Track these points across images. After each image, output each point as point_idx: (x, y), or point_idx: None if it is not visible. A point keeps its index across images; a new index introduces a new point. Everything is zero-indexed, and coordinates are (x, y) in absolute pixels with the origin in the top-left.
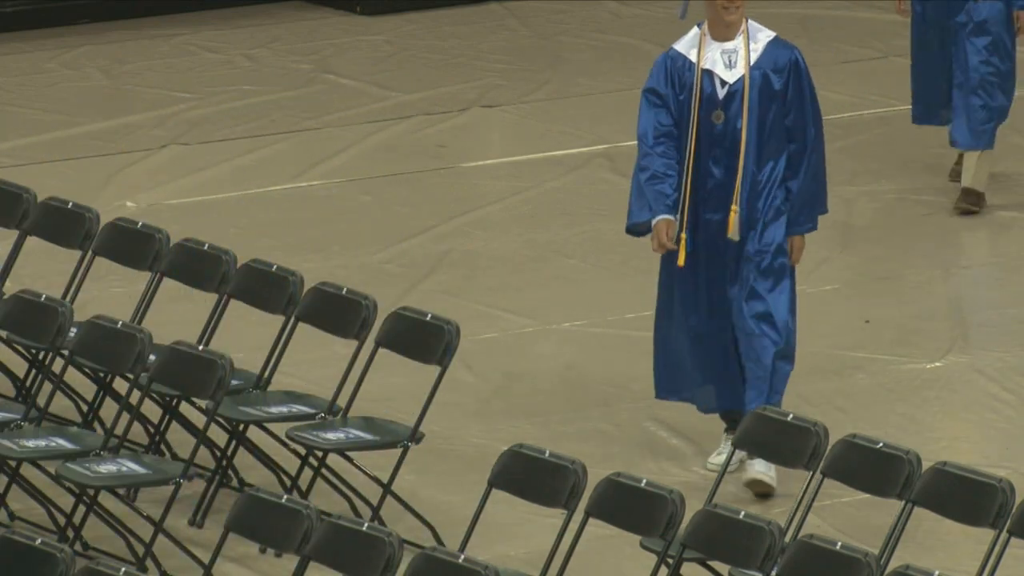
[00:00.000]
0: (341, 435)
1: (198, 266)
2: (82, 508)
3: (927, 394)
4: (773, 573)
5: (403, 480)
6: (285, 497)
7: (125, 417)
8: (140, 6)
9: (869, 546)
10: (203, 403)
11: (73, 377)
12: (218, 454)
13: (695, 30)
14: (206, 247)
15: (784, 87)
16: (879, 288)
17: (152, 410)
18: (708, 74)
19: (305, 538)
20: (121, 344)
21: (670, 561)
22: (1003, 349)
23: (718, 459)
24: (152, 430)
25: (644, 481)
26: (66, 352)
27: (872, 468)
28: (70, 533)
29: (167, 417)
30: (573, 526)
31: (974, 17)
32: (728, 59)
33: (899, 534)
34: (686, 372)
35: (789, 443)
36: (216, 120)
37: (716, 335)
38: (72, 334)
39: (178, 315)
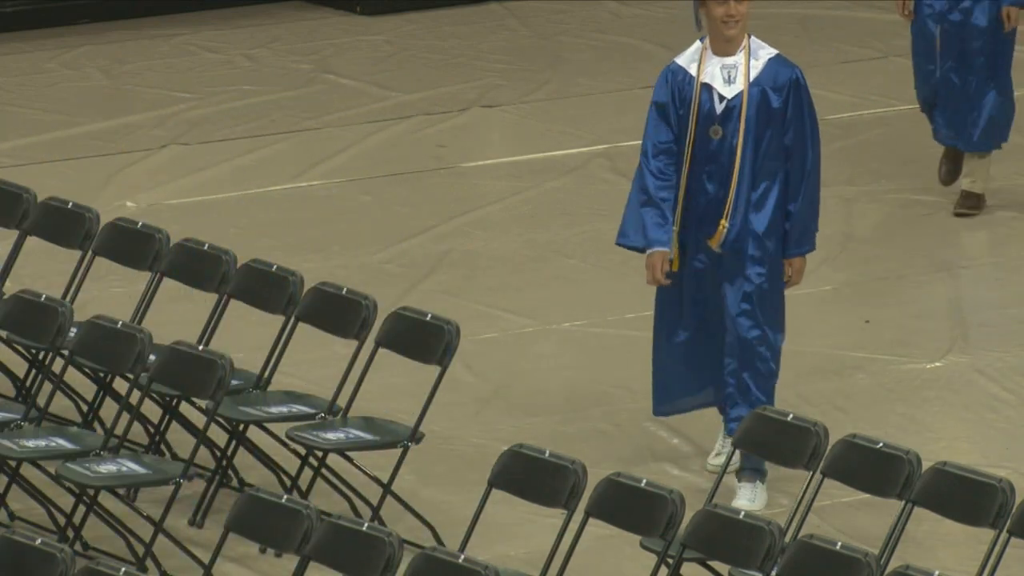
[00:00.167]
0: (341, 435)
1: (198, 266)
2: (82, 508)
3: (927, 394)
4: (773, 573)
5: (403, 480)
6: (285, 497)
7: (125, 417)
8: (140, 6)
9: (869, 546)
10: (203, 403)
11: (73, 377)
12: (218, 454)
13: (697, 44)
14: (206, 247)
15: (783, 105)
16: (879, 288)
17: (152, 410)
18: (707, 88)
19: (305, 538)
20: (121, 344)
21: (670, 561)
22: (1003, 349)
23: (717, 460)
24: (152, 430)
25: (644, 481)
26: (66, 352)
27: (872, 468)
28: (70, 533)
29: (167, 417)
30: (573, 526)
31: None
32: (728, 74)
33: (899, 534)
34: (681, 385)
35: (789, 443)
36: (216, 120)
37: (706, 345)
38: (72, 334)
39: (178, 315)
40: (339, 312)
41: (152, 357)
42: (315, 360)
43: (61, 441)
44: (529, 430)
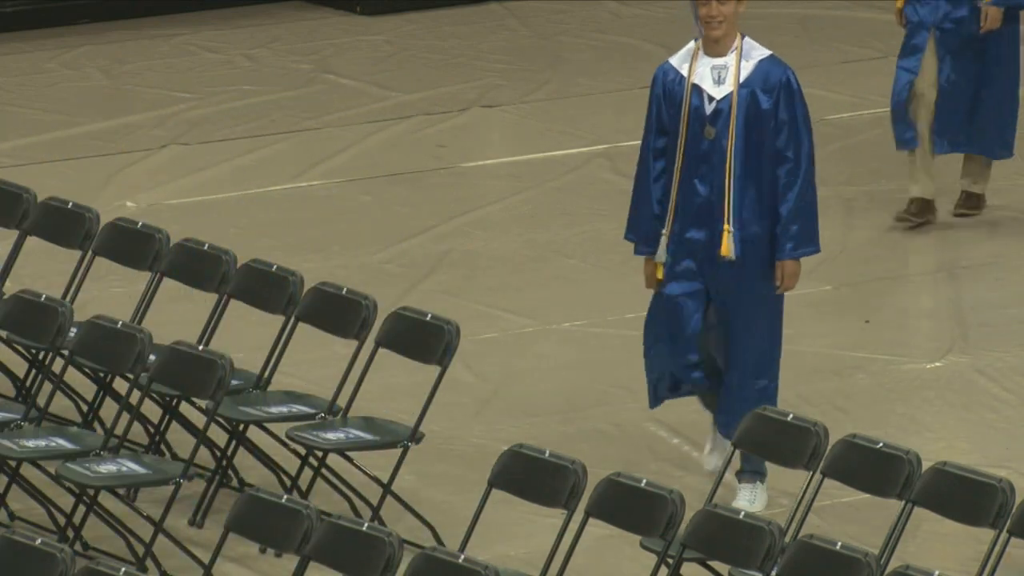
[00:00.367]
0: (341, 435)
1: (198, 266)
2: (82, 508)
3: (927, 394)
4: (773, 573)
5: (403, 480)
6: (285, 497)
7: (125, 417)
8: (140, 6)
9: (869, 546)
10: (203, 403)
11: (73, 377)
12: (218, 454)
13: (691, 44)
14: (206, 247)
15: (773, 107)
16: (879, 288)
17: (152, 410)
18: (697, 89)
19: (305, 538)
20: (121, 344)
21: (670, 561)
22: (1003, 349)
23: (710, 459)
24: (152, 430)
25: (644, 481)
26: (66, 352)
27: (872, 468)
28: (70, 533)
29: (167, 417)
30: (573, 526)
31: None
32: (718, 75)
33: (899, 534)
34: (672, 378)
35: (789, 443)
36: (216, 120)
37: (694, 344)
38: (72, 334)
39: (178, 315)
40: (339, 312)
41: (152, 357)
42: (315, 360)
43: (61, 441)
44: (529, 430)
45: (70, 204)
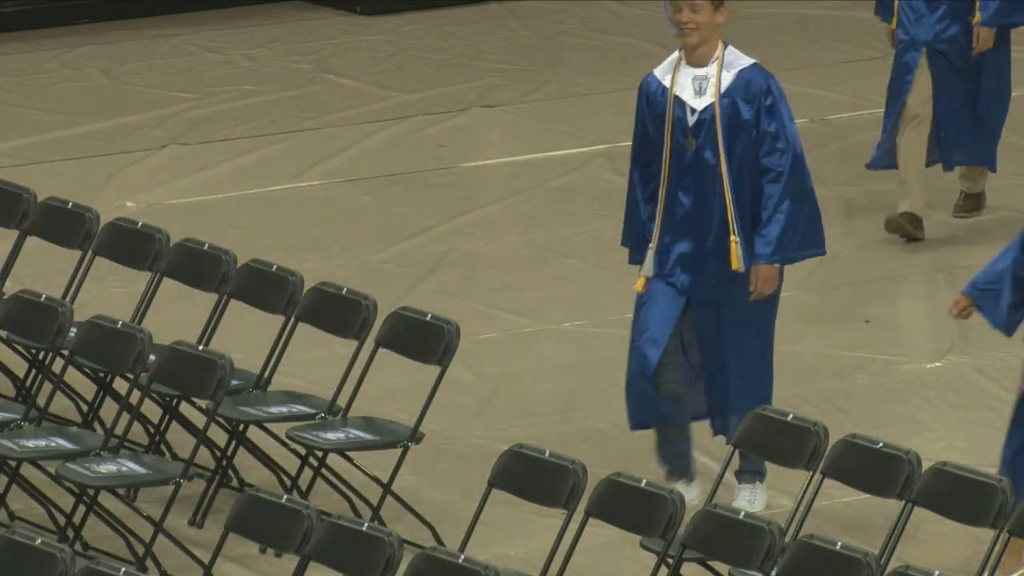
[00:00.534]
0: (341, 435)
1: (198, 266)
2: (82, 508)
3: (927, 394)
4: (773, 573)
5: (403, 480)
6: (285, 497)
7: (125, 417)
8: (140, 6)
9: (869, 546)
10: (203, 403)
11: (73, 377)
12: (218, 454)
13: (675, 55)
14: (206, 247)
15: (755, 117)
16: (879, 288)
17: (152, 410)
18: (679, 100)
19: (305, 538)
20: (121, 344)
21: (670, 561)
22: (1003, 349)
23: (690, 491)
24: (152, 430)
25: (644, 481)
26: (66, 352)
27: (872, 468)
28: (70, 533)
29: (167, 417)
30: (573, 526)
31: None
32: (699, 86)
33: (899, 534)
34: (651, 398)
35: (789, 443)
36: (216, 120)
37: (674, 360)
38: (72, 334)
39: (178, 315)
40: (339, 312)
41: (152, 357)
42: (315, 360)
43: (61, 441)
44: (529, 430)
45: (70, 204)
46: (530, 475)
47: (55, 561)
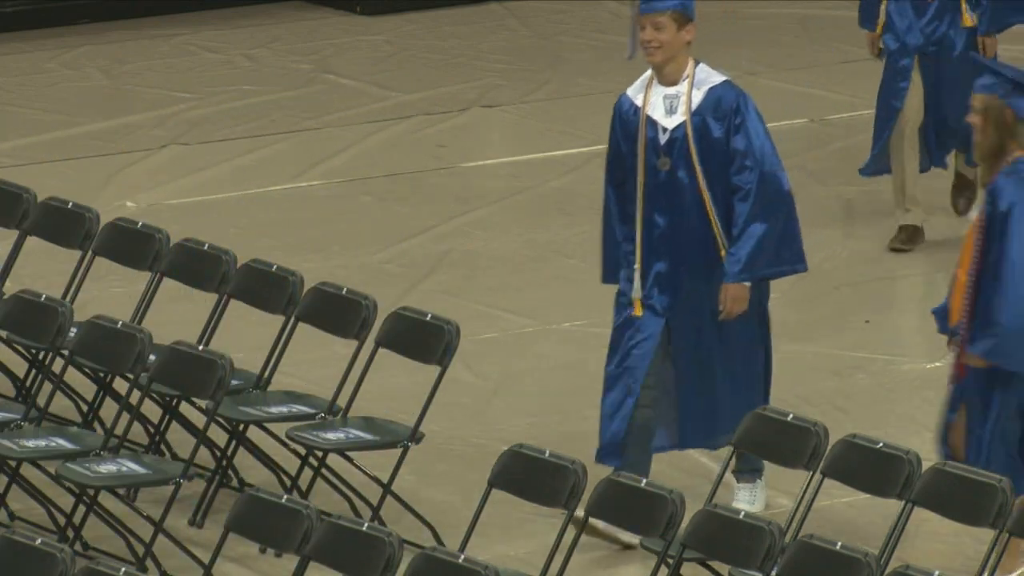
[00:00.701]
0: (341, 435)
1: (198, 266)
2: (82, 508)
3: (927, 394)
4: (773, 573)
5: (403, 480)
6: (285, 497)
7: (125, 417)
8: (140, 6)
9: (869, 546)
10: (203, 403)
11: (73, 377)
12: (218, 454)
13: (647, 74)
14: (206, 247)
15: (725, 135)
16: (879, 288)
17: (152, 410)
18: (651, 120)
19: (305, 538)
20: (121, 344)
21: (670, 561)
22: None
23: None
24: (152, 430)
25: (644, 481)
26: (66, 352)
27: (872, 468)
28: (70, 533)
29: (167, 417)
30: (573, 526)
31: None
32: (670, 104)
33: (899, 534)
34: (619, 442)
35: (789, 443)
36: (216, 120)
37: (650, 388)
38: (72, 334)
39: (178, 315)
40: (339, 312)
41: (152, 357)
42: (315, 360)
43: (61, 441)
44: (529, 430)
45: (70, 204)
46: (530, 475)
47: (55, 561)
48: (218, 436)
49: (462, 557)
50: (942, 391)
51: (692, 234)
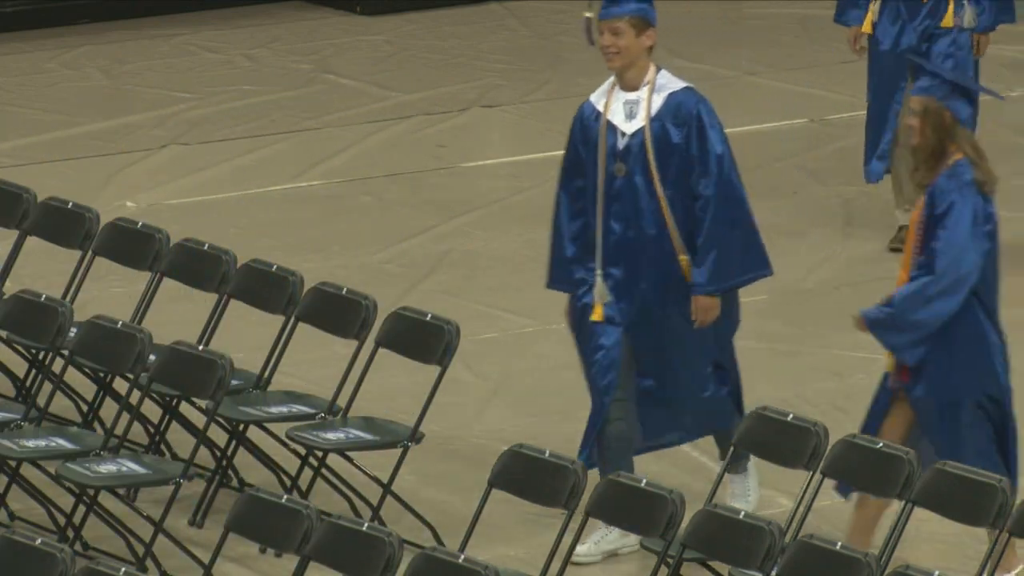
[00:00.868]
0: (341, 435)
1: (198, 266)
2: (82, 508)
3: None
4: (773, 573)
5: (403, 480)
6: (285, 497)
7: (125, 417)
8: (140, 6)
9: (869, 546)
10: (203, 403)
11: (73, 377)
12: (218, 454)
13: (610, 80)
14: (206, 247)
15: (684, 141)
16: (879, 288)
17: (152, 410)
18: (611, 125)
19: (305, 538)
20: (121, 344)
21: (670, 561)
22: None
23: (596, 547)
24: (152, 430)
25: (644, 481)
26: (66, 352)
27: (872, 468)
28: (70, 533)
29: (167, 417)
30: (573, 526)
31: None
32: (630, 110)
33: (899, 534)
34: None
35: (789, 443)
36: (216, 120)
37: (620, 399)
38: (72, 334)
39: (178, 315)
40: (339, 312)
41: (152, 357)
42: (315, 360)
43: (61, 441)
44: (529, 430)
45: (70, 204)
46: (530, 475)
47: (55, 561)
48: (218, 436)
49: (462, 557)
50: None
51: (648, 240)
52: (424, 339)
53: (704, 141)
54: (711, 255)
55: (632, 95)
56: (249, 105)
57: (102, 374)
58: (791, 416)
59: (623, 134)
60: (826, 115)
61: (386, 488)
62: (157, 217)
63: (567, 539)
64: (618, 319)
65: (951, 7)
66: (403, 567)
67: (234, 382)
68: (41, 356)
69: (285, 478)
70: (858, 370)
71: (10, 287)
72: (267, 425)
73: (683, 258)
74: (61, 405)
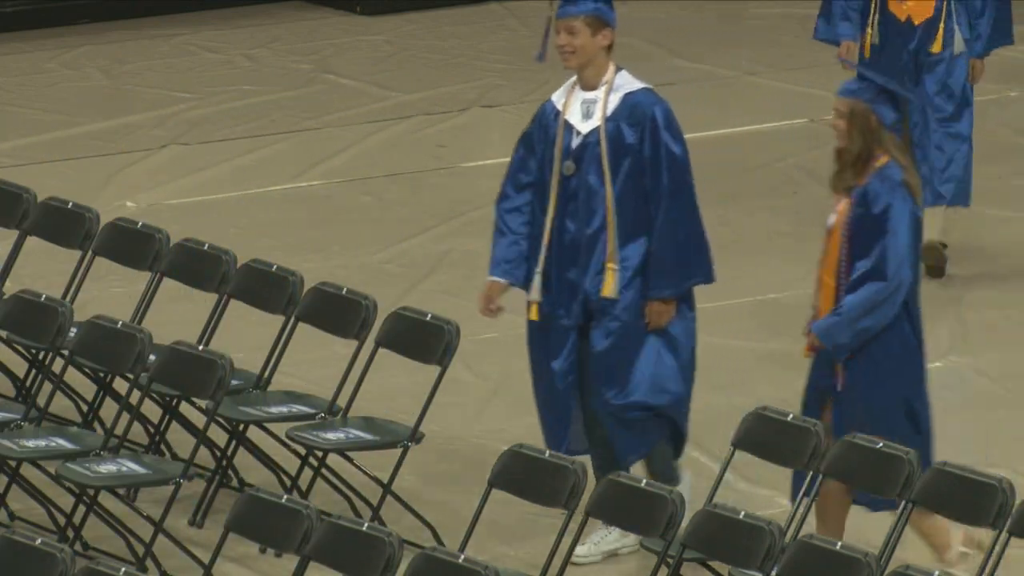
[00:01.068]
0: (341, 435)
1: (198, 266)
2: (82, 508)
3: None
4: (773, 573)
5: (403, 480)
6: (285, 497)
7: (125, 417)
8: (140, 6)
9: (869, 546)
10: (203, 403)
11: (73, 377)
12: (218, 454)
13: (573, 78)
14: (206, 247)
15: (639, 142)
16: None
17: (152, 410)
18: (568, 124)
19: (305, 538)
20: (121, 344)
21: (670, 561)
22: (1003, 349)
23: (596, 548)
24: (152, 430)
25: (644, 481)
26: (66, 352)
27: (872, 468)
28: (70, 533)
29: (167, 417)
30: (573, 526)
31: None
32: (586, 109)
33: (899, 534)
34: (559, 424)
35: (789, 443)
36: (216, 120)
37: (573, 389)
38: (72, 334)
39: (178, 315)
40: (339, 312)
41: (152, 357)
42: (315, 360)
43: (61, 441)
44: (529, 430)
45: (70, 204)
46: (530, 475)
47: (55, 561)
48: (218, 436)
49: (462, 557)
50: (941, 391)
51: (597, 241)
52: (424, 339)
53: (658, 143)
54: (663, 257)
55: (590, 94)
56: (249, 105)
57: (102, 374)
58: (791, 416)
59: (578, 133)
60: (826, 115)
61: (386, 488)
62: (157, 217)
63: (567, 539)
64: (571, 324)
65: (940, 32)
66: (403, 567)
67: (234, 382)
68: (41, 356)
69: (285, 478)
70: None
71: (10, 287)
72: (267, 425)
73: (610, 266)
74: (61, 405)
